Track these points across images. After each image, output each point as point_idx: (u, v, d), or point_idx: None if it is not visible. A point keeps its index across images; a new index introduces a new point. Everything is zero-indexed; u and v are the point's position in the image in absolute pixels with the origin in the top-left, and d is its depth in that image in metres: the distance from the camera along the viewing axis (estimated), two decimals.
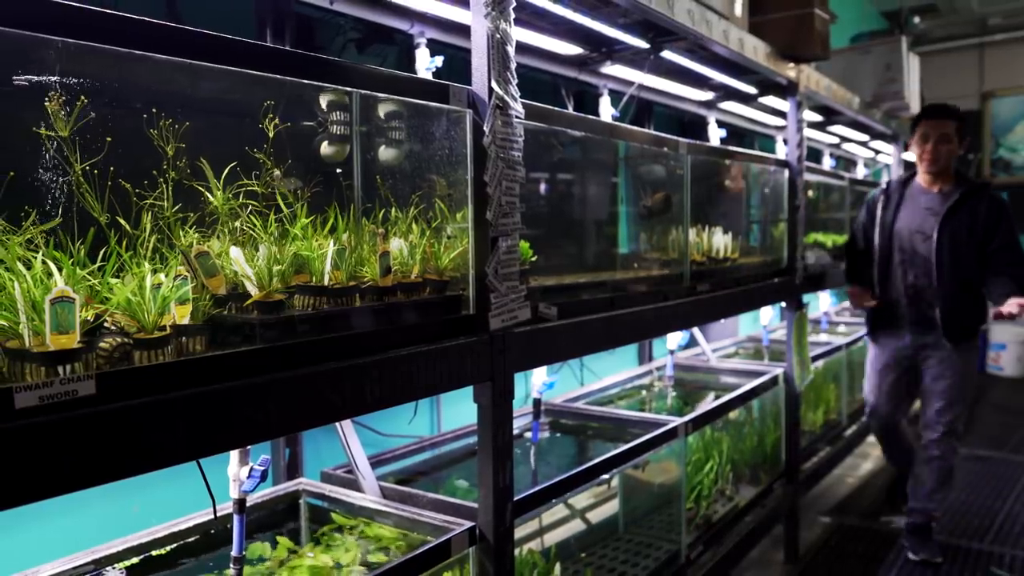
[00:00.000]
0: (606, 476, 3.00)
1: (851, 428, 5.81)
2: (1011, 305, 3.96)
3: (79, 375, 1.30)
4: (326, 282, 1.88)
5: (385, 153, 2.29)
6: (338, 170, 2.20)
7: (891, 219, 4.49)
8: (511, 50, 2.21)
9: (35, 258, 1.35)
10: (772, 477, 4.49)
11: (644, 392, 4.61)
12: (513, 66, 2.22)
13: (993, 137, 11.35)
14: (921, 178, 4.51)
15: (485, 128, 2.13)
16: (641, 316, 2.95)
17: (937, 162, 4.33)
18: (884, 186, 4.71)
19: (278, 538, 2.37)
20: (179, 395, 1.43)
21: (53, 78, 1.42)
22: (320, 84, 1.94)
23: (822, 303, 7.58)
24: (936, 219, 4.30)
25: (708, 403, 4.05)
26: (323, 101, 2.12)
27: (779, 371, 4.59)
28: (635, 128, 3.26)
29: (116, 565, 2.00)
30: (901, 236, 4.45)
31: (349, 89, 2.06)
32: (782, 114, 5.64)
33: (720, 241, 3.81)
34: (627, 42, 3.59)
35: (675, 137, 3.30)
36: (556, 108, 2.59)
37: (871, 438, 6.48)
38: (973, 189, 4.33)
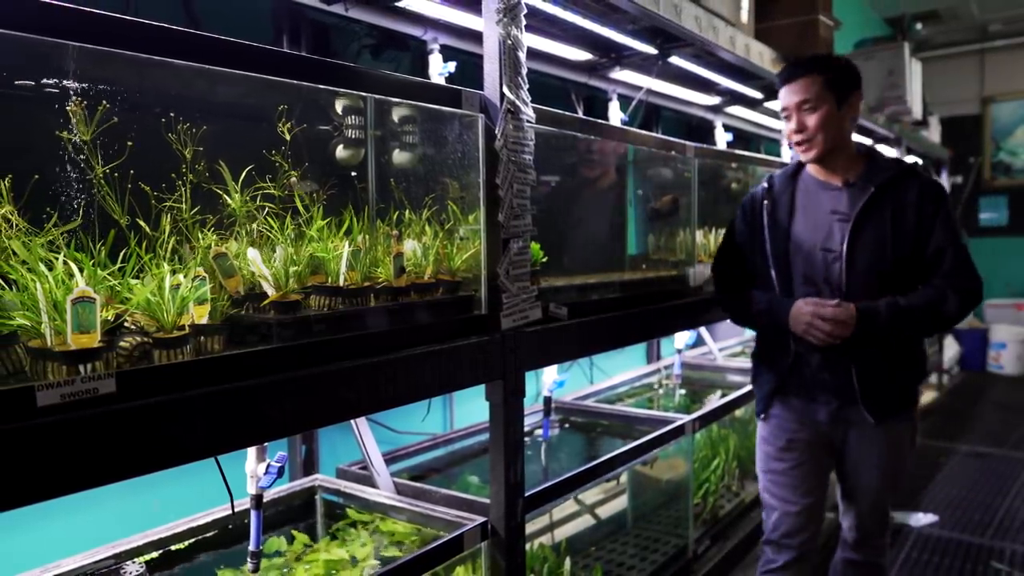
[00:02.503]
0: (615, 472, 2.98)
1: None
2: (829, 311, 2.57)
3: (100, 374, 1.29)
4: (341, 283, 1.87)
5: (399, 156, 2.29)
6: (353, 173, 2.19)
7: (784, 231, 2.78)
8: (522, 56, 2.20)
9: (57, 259, 1.35)
10: None
11: (652, 390, 4.59)
12: (524, 71, 2.20)
13: (993, 141, 11.28)
14: (811, 167, 2.82)
15: (497, 132, 2.12)
16: (649, 316, 2.93)
17: (810, 143, 2.67)
18: (765, 183, 2.93)
19: (295, 533, 2.36)
20: (198, 393, 1.42)
21: (75, 83, 1.42)
22: (336, 89, 1.93)
23: None
24: (845, 226, 2.63)
25: (715, 401, 4.03)
26: (338, 106, 2.11)
27: None
28: (643, 132, 3.25)
29: (136, 559, 2.00)
30: (800, 256, 2.74)
31: (364, 94, 2.05)
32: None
33: None
34: (636, 48, 3.57)
35: (683, 141, 3.29)
36: (566, 112, 2.58)
37: None
38: (895, 176, 2.66)
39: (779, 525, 2.85)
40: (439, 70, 2.91)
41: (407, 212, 2.19)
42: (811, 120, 2.65)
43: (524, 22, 2.20)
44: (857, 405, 2.67)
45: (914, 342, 2.78)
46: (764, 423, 2.92)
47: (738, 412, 4.12)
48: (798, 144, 2.71)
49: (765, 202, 2.85)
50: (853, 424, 2.73)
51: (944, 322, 2.62)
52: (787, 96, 2.70)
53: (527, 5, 2.21)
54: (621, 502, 3.63)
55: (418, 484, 2.53)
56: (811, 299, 2.63)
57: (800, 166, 2.86)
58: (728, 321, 3.20)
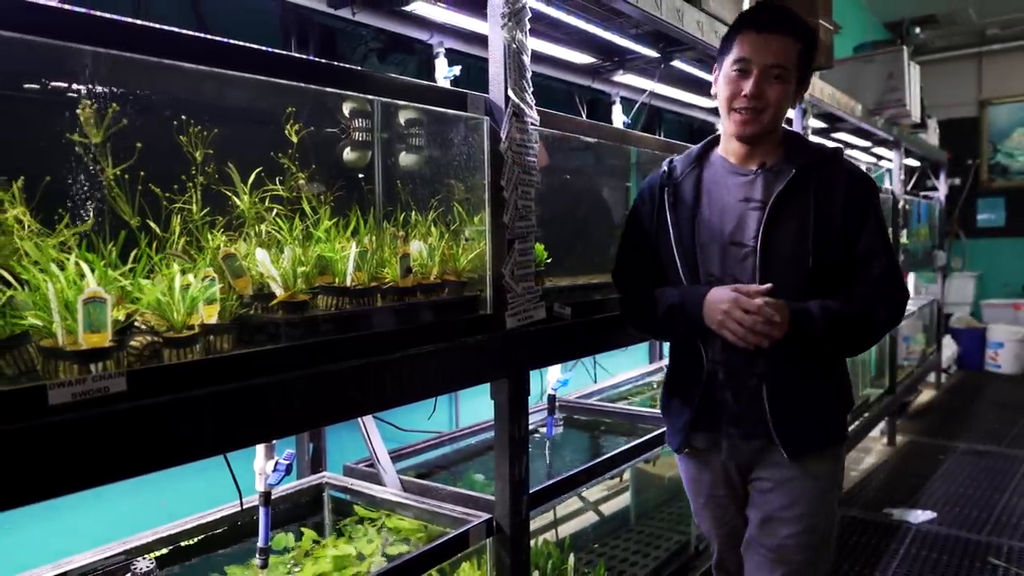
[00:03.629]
0: (618, 470, 2.97)
1: (854, 424, 5.76)
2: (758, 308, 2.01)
3: (110, 372, 1.29)
4: (348, 283, 1.86)
5: (405, 158, 2.28)
6: (360, 175, 2.19)
7: (689, 222, 2.23)
8: (527, 59, 2.19)
9: (68, 260, 1.34)
10: None
11: (654, 389, 4.57)
12: (529, 75, 2.20)
13: (991, 143, 11.26)
14: (728, 148, 2.27)
15: (502, 134, 2.11)
16: None
17: (759, 115, 2.11)
18: (665, 168, 2.35)
19: (303, 529, 2.36)
20: (207, 392, 1.41)
21: (86, 86, 1.41)
22: (343, 92, 1.93)
23: None
24: (759, 215, 2.13)
25: None
26: (346, 108, 2.11)
27: None
28: (645, 135, 3.24)
29: (146, 555, 2.00)
30: (706, 252, 2.20)
31: (371, 97, 2.05)
32: (788, 121, 5.61)
33: None
34: (638, 52, 3.56)
35: (685, 144, 3.28)
36: (570, 115, 2.57)
37: (874, 432, 6.45)
38: (819, 160, 2.17)
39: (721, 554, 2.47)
40: (444, 73, 2.90)
41: (413, 213, 2.18)
42: (773, 91, 2.10)
43: (528, 26, 2.19)
44: (769, 438, 2.14)
45: (838, 361, 2.27)
46: (683, 461, 2.43)
47: None
48: (742, 111, 2.12)
49: (666, 190, 2.29)
50: (764, 465, 2.20)
51: (873, 337, 2.17)
52: (758, 49, 2.09)
53: (531, 9, 2.20)
54: (624, 499, 3.63)
55: (424, 481, 2.52)
56: (738, 285, 2.09)
57: (708, 148, 2.34)
58: None
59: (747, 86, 2.09)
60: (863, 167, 8.67)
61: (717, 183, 2.24)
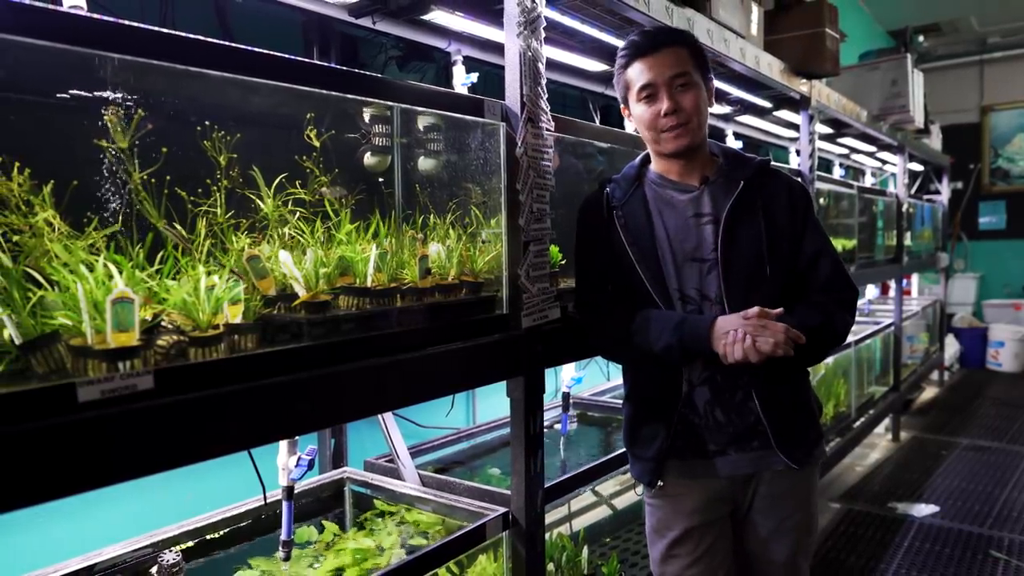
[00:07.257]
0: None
1: (859, 420, 5.71)
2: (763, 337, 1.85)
3: (138, 371, 1.28)
4: (369, 284, 1.85)
5: (424, 163, 2.27)
6: (380, 179, 2.17)
7: (649, 245, 2.09)
8: (542, 67, 2.17)
9: (97, 261, 1.34)
10: None
11: None
12: (544, 82, 2.18)
13: (992, 148, 11.18)
14: (663, 166, 2.15)
15: (517, 140, 2.09)
16: None
17: (685, 127, 2.02)
18: (608, 191, 2.18)
19: (324, 523, 2.35)
20: (231, 389, 1.40)
21: (115, 93, 1.41)
22: (364, 99, 1.92)
23: None
24: (715, 228, 2.05)
25: None
26: (366, 115, 2.10)
27: None
28: None
29: (173, 548, 1.99)
30: (674, 271, 2.08)
31: (391, 103, 2.04)
32: (795, 127, 5.57)
33: None
34: None
35: None
36: (584, 121, 2.55)
37: (879, 428, 6.41)
38: (759, 170, 2.11)
39: None
40: (462, 80, 2.89)
41: (432, 216, 2.17)
42: (687, 99, 2.02)
43: (543, 35, 2.17)
44: (769, 449, 2.05)
45: (802, 368, 2.18)
46: (655, 503, 2.19)
47: None
48: (670, 129, 2.02)
49: (615, 213, 2.14)
50: (761, 480, 2.10)
51: (837, 341, 2.07)
52: (652, 70, 2.02)
53: (546, 18, 2.18)
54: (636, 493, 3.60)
55: (442, 476, 2.52)
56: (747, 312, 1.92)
57: (642, 167, 2.20)
58: None
59: (662, 105, 2.02)
60: (869, 171, 8.64)
61: (664, 201, 2.13)
